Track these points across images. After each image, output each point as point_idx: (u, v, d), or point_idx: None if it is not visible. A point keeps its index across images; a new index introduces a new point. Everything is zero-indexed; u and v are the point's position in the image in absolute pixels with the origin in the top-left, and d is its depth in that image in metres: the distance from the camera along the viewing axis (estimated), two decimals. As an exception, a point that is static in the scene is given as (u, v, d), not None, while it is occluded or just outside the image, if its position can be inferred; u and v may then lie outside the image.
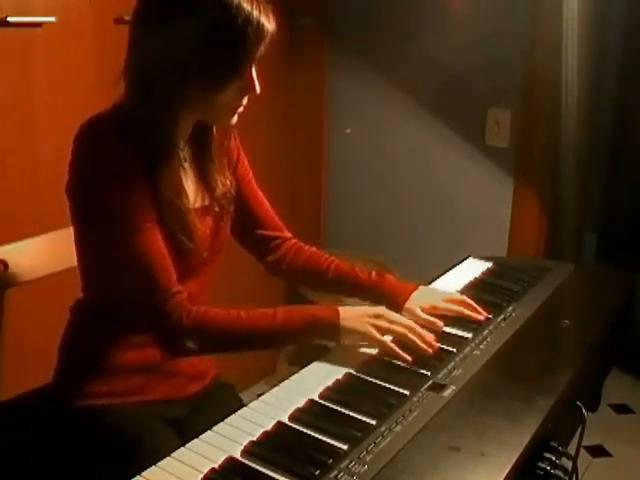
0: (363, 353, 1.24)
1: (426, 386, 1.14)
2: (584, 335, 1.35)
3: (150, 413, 1.28)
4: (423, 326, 1.28)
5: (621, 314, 1.56)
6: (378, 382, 1.16)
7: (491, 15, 2.51)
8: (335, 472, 0.93)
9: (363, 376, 1.18)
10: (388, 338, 1.24)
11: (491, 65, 2.55)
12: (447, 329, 1.35)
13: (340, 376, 1.18)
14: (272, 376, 2.58)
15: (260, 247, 1.48)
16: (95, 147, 1.17)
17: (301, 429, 1.04)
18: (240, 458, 0.97)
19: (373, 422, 1.04)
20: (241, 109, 1.24)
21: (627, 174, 3.27)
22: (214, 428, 1.04)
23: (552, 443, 1.09)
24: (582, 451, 1.26)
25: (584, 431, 1.22)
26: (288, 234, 1.51)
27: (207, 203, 1.32)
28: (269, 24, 1.16)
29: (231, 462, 0.96)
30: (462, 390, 1.13)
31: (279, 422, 1.05)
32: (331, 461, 0.95)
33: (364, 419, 1.05)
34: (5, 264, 1.41)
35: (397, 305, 1.38)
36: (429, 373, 1.18)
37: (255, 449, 0.99)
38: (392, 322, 1.18)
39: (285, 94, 2.63)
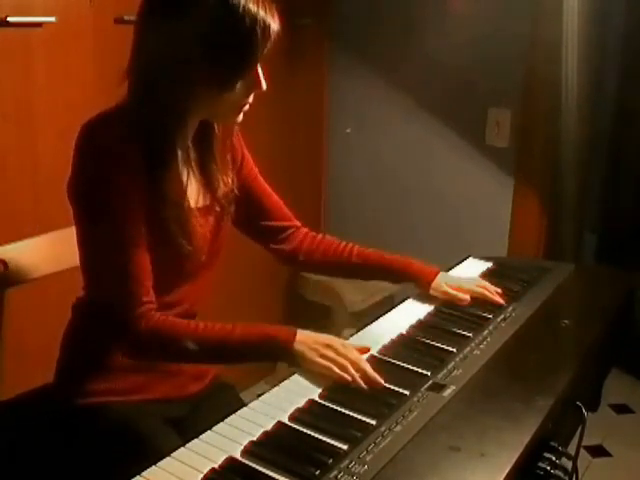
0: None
1: (426, 386, 1.14)
2: (584, 335, 1.35)
3: (150, 412, 1.28)
4: (449, 301, 1.46)
5: (621, 314, 1.56)
6: (378, 382, 1.16)
7: (491, 15, 2.51)
8: (335, 472, 0.93)
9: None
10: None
11: (491, 65, 2.55)
12: (449, 328, 1.36)
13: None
14: (272, 376, 2.58)
15: (272, 238, 1.50)
16: (97, 146, 1.17)
17: (301, 429, 1.04)
18: (240, 458, 0.97)
19: (373, 422, 1.04)
20: (247, 107, 1.24)
21: (627, 174, 3.27)
22: (214, 428, 1.04)
23: (552, 443, 1.09)
24: (582, 451, 1.26)
25: (584, 431, 1.22)
26: (298, 223, 1.53)
27: (208, 202, 1.32)
28: (275, 23, 1.17)
29: (231, 462, 0.96)
30: (462, 390, 1.13)
31: (279, 422, 1.05)
32: (331, 461, 0.95)
33: (364, 419, 1.05)
34: (5, 264, 1.41)
35: (424, 284, 1.49)
36: (429, 373, 1.18)
37: (255, 449, 0.99)
38: (338, 353, 1.18)
39: (285, 94, 2.63)
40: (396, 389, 1.13)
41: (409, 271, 1.51)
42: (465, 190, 2.72)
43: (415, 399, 1.10)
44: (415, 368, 1.20)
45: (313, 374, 1.17)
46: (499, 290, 1.50)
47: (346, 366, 1.16)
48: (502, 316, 1.41)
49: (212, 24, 1.12)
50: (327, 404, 1.11)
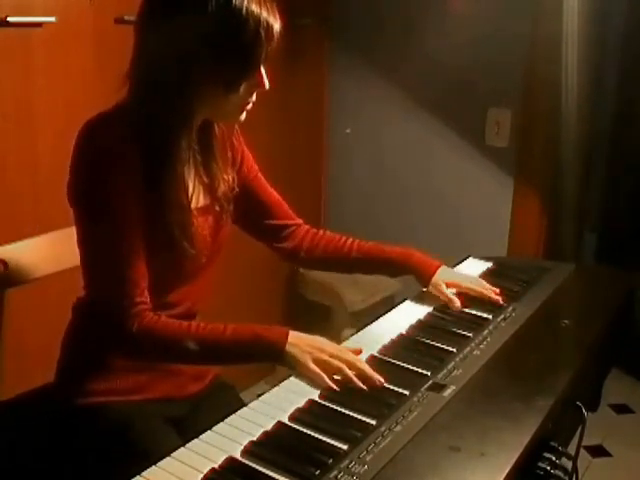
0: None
1: (426, 386, 1.14)
2: (584, 335, 1.35)
3: (150, 412, 1.28)
4: (444, 301, 1.45)
5: (621, 314, 1.56)
6: (378, 382, 1.16)
7: (491, 15, 2.51)
8: (335, 472, 0.93)
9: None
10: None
11: (491, 65, 2.55)
12: (449, 328, 1.36)
13: (340, 376, 1.18)
14: (272, 376, 2.58)
15: (274, 236, 1.50)
16: (97, 147, 1.17)
17: (301, 429, 1.04)
18: (240, 458, 0.97)
19: (373, 422, 1.04)
20: (250, 106, 1.25)
21: (627, 174, 3.27)
22: (214, 428, 1.04)
23: (552, 443, 1.09)
24: (582, 451, 1.26)
25: (584, 431, 1.22)
26: (299, 220, 1.53)
27: (208, 202, 1.32)
28: (277, 23, 1.17)
29: (231, 462, 0.96)
30: (462, 390, 1.13)
31: (279, 422, 1.05)
32: (331, 461, 0.95)
33: (364, 419, 1.05)
34: (5, 264, 1.41)
35: (425, 278, 1.49)
36: (429, 373, 1.18)
37: (255, 449, 0.99)
38: (332, 356, 1.18)
39: (285, 94, 2.63)
40: (396, 389, 1.13)
41: (409, 264, 1.50)
42: (465, 190, 2.72)
43: (415, 399, 1.10)
44: (415, 368, 1.20)
45: (306, 378, 1.17)
46: (497, 290, 1.50)
47: (342, 368, 1.16)
48: (502, 316, 1.41)
49: (216, 26, 1.12)
50: (327, 404, 1.10)
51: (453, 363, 1.22)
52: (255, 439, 1.01)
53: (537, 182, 2.58)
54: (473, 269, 1.68)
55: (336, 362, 1.17)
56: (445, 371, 1.19)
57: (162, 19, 1.16)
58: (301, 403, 1.10)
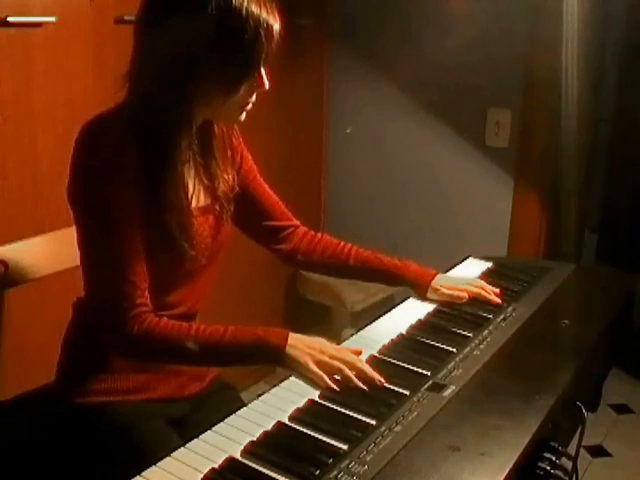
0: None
1: (426, 386, 1.14)
2: (584, 335, 1.35)
3: (151, 412, 1.28)
4: (448, 302, 1.46)
5: (621, 314, 1.56)
6: (378, 382, 1.16)
7: (491, 15, 2.51)
8: (335, 472, 0.93)
9: (363, 376, 1.18)
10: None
11: (491, 65, 2.55)
12: (449, 328, 1.36)
13: (340, 377, 1.18)
14: (272, 376, 2.58)
15: (272, 238, 1.50)
16: (96, 148, 1.17)
17: (301, 429, 1.04)
18: (240, 458, 0.97)
19: (373, 422, 1.04)
20: (250, 106, 1.24)
21: (627, 174, 3.27)
22: (214, 428, 1.04)
23: (552, 443, 1.09)
24: (582, 451, 1.26)
25: (584, 431, 1.22)
26: (297, 222, 1.53)
27: (209, 202, 1.32)
28: (276, 24, 1.17)
29: (231, 462, 0.96)
30: (462, 390, 1.13)
31: (279, 422, 1.05)
32: (331, 461, 0.95)
33: (364, 419, 1.05)
34: (5, 264, 1.41)
35: (421, 288, 1.50)
36: (429, 373, 1.18)
37: (255, 449, 0.99)
38: (332, 357, 1.18)
39: (285, 94, 2.63)
40: (396, 389, 1.13)
41: (406, 276, 1.51)
42: (465, 190, 2.72)
43: (415, 399, 1.10)
44: (415, 368, 1.20)
45: (306, 380, 1.17)
46: (496, 290, 1.50)
47: (342, 369, 1.16)
48: (502, 316, 1.41)
49: (216, 27, 1.12)
50: (327, 404, 1.10)
51: (453, 363, 1.22)
52: (255, 439, 1.01)
53: (537, 182, 2.58)
54: (473, 269, 1.68)
55: (336, 363, 1.17)
56: (445, 371, 1.19)
57: (161, 20, 1.15)
58: (301, 403, 1.10)
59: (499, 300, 1.47)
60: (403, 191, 2.86)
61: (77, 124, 1.19)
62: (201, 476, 0.93)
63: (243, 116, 1.26)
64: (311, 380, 1.16)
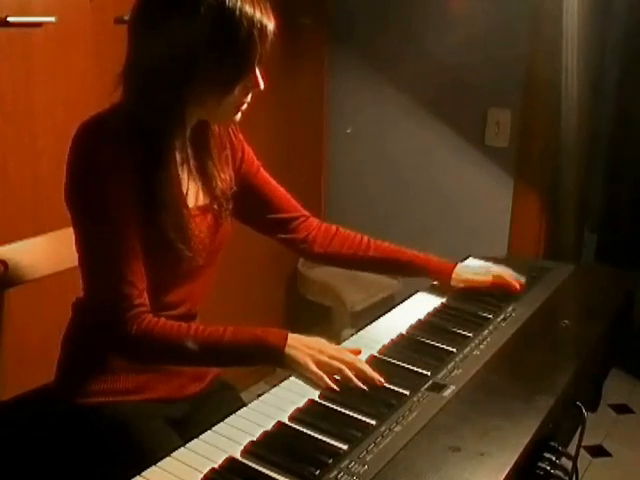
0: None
1: (426, 386, 1.14)
2: (584, 335, 1.35)
3: (151, 412, 1.28)
4: (471, 288, 1.51)
5: (621, 314, 1.56)
6: (378, 382, 1.16)
7: (491, 15, 2.51)
8: (335, 472, 0.93)
9: (363, 376, 1.18)
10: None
11: (491, 65, 2.55)
12: (449, 328, 1.36)
13: (340, 377, 1.18)
14: (272, 376, 2.58)
15: (282, 229, 1.49)
16: (92, 148, 1.17)
17: (301, 429, 1.04)
18: (240, 458, 0.97)
19: (373, 422, 1.04)
20: (245, 106, 1.24)
21: (627, 174, 3.27)
22: (214, 428, 1.04)
23: (552, 443, 1.09)
24: (582, 451, 1.26)
25: (584, 431, 1.22)
26: (307, 213, 1.53)
27: (207, 201, 1.32)
28: (271, 24, 1.17)
29: (231, 462, 0.96)
30: (462, 390, 1.13)
31: (279, 422, 1.05)
32: (331, 461, 0.95)
33: (364, 419, 1.05)
34: (5, 264, 1.41)
35: (445, 276, 1.53)
36: (429, 373, 1.18)
37: (255, 449, 0.99)
38: (332, 357, 1.18)
39: (285, 94, 2.63)
40: (396, 389, 1.13)
41: (429, 266, 1.54)
42: (465, 190, 2.72)
43: (415, 399, 1.10)
44: (415, 368, 1.20)
45: (306, 380, 1.17)
46: (521, 279, 1.53)
47: (341, 369, 1.16)
48: (502, 316, 1.41)
49: (209, 27, 1.12)
50: (327, 404, 1.11)
51: (453, 363, 1.22)
52: (255, 439, 1.01)
53: (537, 182, 2.58)
54: (473, 269, 1.68)
55: (336, 363, 1.17)
56: (445, 371, 1.19)
57: (155, 20, 1.15)
58: (301, 403, 1.10)
59: (518, 286, 1.51)
60: (403, 191, 2.86)
61: (77, 124, 1.19)
62: (201, 476, 0.93)
63: (238, 116, 1.26)
64: (311, 380, 1.16)
